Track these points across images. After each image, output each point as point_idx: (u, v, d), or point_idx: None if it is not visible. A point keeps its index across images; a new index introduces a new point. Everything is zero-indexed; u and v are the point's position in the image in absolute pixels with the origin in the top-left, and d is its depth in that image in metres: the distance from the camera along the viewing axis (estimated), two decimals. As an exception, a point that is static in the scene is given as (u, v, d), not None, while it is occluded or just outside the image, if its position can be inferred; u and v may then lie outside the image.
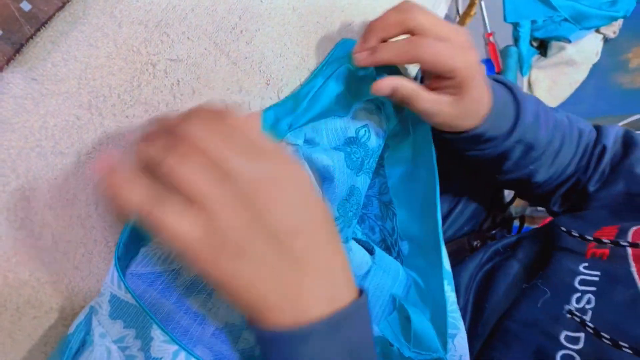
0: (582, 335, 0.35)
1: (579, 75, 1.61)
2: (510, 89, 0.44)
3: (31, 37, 0.28)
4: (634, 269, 0.37)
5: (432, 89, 0.39)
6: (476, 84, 0.38)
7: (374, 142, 0.43)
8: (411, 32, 0.36)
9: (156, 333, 0.28)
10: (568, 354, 0.34)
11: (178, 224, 0.23)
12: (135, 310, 0.29)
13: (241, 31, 0.36)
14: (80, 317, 0.29)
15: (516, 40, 1.53)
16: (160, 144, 0.24)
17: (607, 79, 1.63)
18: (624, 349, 0.32)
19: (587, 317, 0.35)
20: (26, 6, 0.28)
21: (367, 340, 0.28)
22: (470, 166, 0.49)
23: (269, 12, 0.38)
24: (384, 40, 0.37)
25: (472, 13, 0.73)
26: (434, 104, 0.39)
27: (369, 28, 0.38)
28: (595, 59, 1.59)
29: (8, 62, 0.27)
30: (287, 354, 0.25)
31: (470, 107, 0.39)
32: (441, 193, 0.42)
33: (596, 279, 0.38)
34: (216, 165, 0.24)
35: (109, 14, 0.30)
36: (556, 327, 0.36)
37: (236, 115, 0.26)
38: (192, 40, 0.34)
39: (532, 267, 0.44)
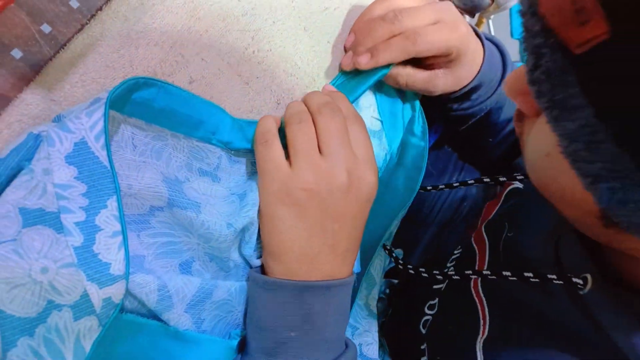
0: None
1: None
2: (491, 40, 0.45)
3: (50, 59, 0.28)
4: None
5: (427, 65, 0.41)
6: (470, 51, 0.40)
7: None
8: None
9: (112, 204, 0.26)
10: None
11: (277, 152, 0.33)
12: (101, 170, 0.26)
13: (253, 51, 0.37)
14: (17, 141, 0.25)
15: (523, 56, 1.53)
16: (293, 111, 0.35)
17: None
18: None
19: None
20: (46, 28, 0.28)
21: (326, 312, 0.34)
22: (470, 145, 0.51)
23: (281, 32, 0.39)
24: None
25: (479, 31, 0.74)
26: (430, 80, 0.41)
27: (358, 41, 0.39)
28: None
29: (28, 83, 0.28)
30: (287, 297, 0.32)
31: (464, 73, 0.41)
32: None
33: None
34: (318, 141, 0.33)
35: (126, 36, 0.31)
36: None
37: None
38: (205, 61, 0.34)
39: None
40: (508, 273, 0.35)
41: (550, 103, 0.21)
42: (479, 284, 0.41)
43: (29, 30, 0.28)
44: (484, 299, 0.40)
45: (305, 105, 0.35)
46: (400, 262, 0.43)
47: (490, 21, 1.34)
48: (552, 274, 0.32)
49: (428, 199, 0.56)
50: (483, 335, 0.38)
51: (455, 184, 0.47)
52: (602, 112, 0.19)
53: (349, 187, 0.33)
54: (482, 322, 0.39)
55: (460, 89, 0.43)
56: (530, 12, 0.21)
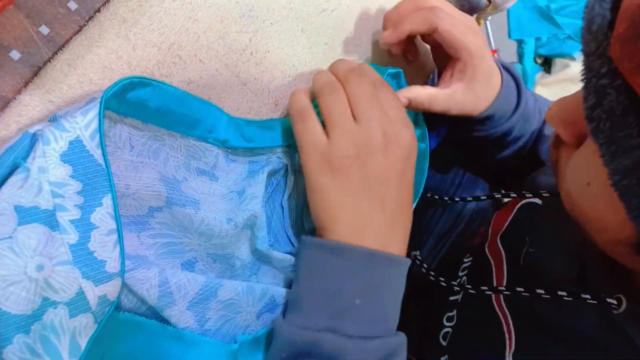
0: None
1: (583, 92, 1.62)
2: (507, 69, 0.46)
3: (49, 60, 0.28)
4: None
5: (444, 83, 0.41)
6: (485, 65, 0.40)
7: None
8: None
9: (108, 202, 0.26)
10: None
11: (315, 127, 0.34)
12: (95, 168, 0.26)
13: (251, 53, 0.37)
14: (12, 140, 0.25)
15: (520, 57, 1.54)
16: (323, 82, 0.36)
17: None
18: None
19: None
20: (45, 30, 0.28)
21: (386, 285, 0.34)
22: (473, 152, 0.52)
23: (279, 34, 0.39)
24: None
25: (477, 32, 0.74)
26: (449, 98, 0.41)
27: (386, 18, 0.41)
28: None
29: (26, 84, 0.28)
30: (355, 263, 0.33)
31: (481, 91, 0.41)
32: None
33: None
34: (351, 108, 0.35)
35: (124, 37, 0.31)
36: None
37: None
38: (203, 62, 0.34)
39: None
40: (542, 291, 0.36)
41: (607, 140, 0.23)
42: (502, 298, 0.42)
43: (27, 31, 0.28)
44: (507, 312, 0.40)
45: (333, 74, 0.37)
46: (424, 267, 0.42)
47: (487, 22, 1.34)
48: (584, 294, 0.33)
49: (428, 207, 0.57)
50: (511, 349, 0.38)
51: (469, 199, 0.47)
52: None
53: (386, 146, 0.34)
54: (507, 335, 0.39)
55: (478, 115, 0.43)
56: (598, 53, 0.23)
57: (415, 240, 0.53)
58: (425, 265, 0.43)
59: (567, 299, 0.35)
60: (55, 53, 0.29)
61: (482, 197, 0.46)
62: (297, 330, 0.32)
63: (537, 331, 0.38)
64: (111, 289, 0.26)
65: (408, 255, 0.43)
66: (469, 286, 0.41)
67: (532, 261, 0.42)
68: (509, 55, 1.55)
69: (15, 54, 0.27)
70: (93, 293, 0.25)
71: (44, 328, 0.24)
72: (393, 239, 0.35)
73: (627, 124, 0.22)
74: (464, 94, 0.41)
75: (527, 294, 0.37)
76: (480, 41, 0.39)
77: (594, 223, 0.29)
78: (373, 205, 0.34)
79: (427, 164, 0.43)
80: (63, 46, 0.29)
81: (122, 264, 0.26)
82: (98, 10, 0.30)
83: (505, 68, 0.45)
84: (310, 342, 0.31)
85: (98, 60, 0.30)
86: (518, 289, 0.38)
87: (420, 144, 0.44)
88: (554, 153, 0.34)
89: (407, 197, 0.36)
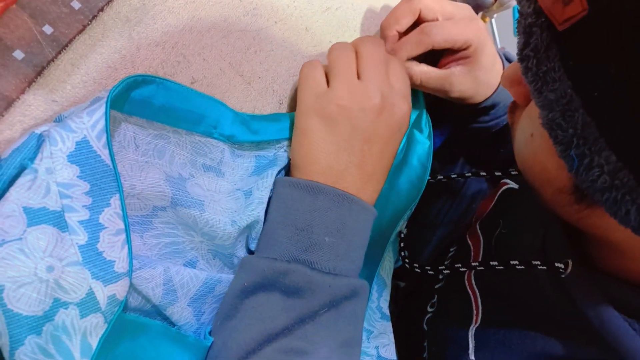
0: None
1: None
2: (510, 60, 0.46)
3: (52, 60, 0.28)
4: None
5: (444, 64, 0.41)
6: (487, 52, 0.40)
7: None
8: (420, 17, 0.39)
9: (116, 202, 0.26)
10: None
11: (319, 74, 0.36)
12: (103, 168, 0.26)
13: (255, 51, 0.37)
14: (19, 141, 0.25)
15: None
16: (339, 44, 0.37)
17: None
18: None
19: None
20: (48, 29, 0.28)
21: (356, 229, 0.35)
22: (477, 148, 0.52)
23: (283, 32, 0.38)
24: (400, 33, 0.40)
25: (482, 30, 0.73)
26: (446, 78, 0.41)
27: (383, 26, 0.40)
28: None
29: (30, 84, 0.28)
30: (328, 202, 0.33)
31: (482, 76, 0.41)
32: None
33: None
34: (358, 66, 0.35)
35: (128, 37, 0.31)
36: None
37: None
38: (207, 61, 0.34)
39: None
40: (495, 263, 0.38)
41: (535, 77, 0.24)
42: (472, 278, 0.43)
43: (31, 31, 0.28)
44: (477, 290, 0.42)
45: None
46: (407, 261, 0.43)
47: (493, 20, 1.33)
48: (537, 261, 0.35)
49: (437, 201, 0.56)
50: (476, 323, 0.40)
51: (467, 174, 0.47)
52: (577, 84, 0.22)
53: (381, 109, 0.35)
54: (475, 312, 0.40)
55: (480, 103, 0.43)
56: None
57: (420, 237, 0.53)
58: (407, 261, 0.44)
59: (520, 267, 0.36)
60: (59, 53, 0.29)
61: (482, 173, 0.46)
62: (266, 261, 0.33)
63: (501, 305, 0.39)
64: (120, 289, 0.26)
65: (401, 250, 0.44)
66: (442, 267, 0.43)
67: (501, 240, 0.44)
68: (515, 52, 1.54)
69: (19, 54, 0.27)
70: (103, 293, 0.25)
71: (56, 328, 0.24)
72: (363, 193, 0.35)
73: (549, 58, 0.23)
74: (463, 76, 0.41)
75: (482, 268, 0.39)
76: (479, 29, 0.39)
77: (538, 177, 0.30)
78: (352, 159, 0.34)
79: (430, 162, 0.43)
80: (66, 46, 0.29)
81: (130, 263, 0.26)
82: (101, 10, 0.30)
83: (508, 59, 0.45)
84: (279, 272, 0.32)
85: (101, 59, 0.30)
86: (473, 264, 0.40)
87: (425, 140, 0.44)
88: (510, 117, 0.35)
89: (386, 163, 0.37)
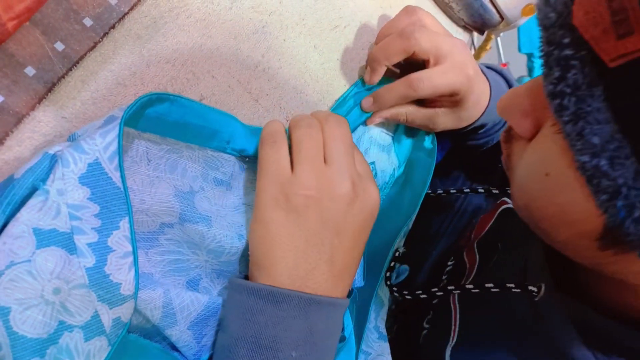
0: None
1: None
2: (502, 74, 0.45)
3: (63, 77, 0.29)
4: None
5: (430, 102, 0.41)
6: (474, 93, 0.40)
7: (379, 180, 0.43)
8: (411, 56, 0.38)
9: (125, 225, 0.26)
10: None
11: (282, 155, 0.32)
12: (114, 191, 0.26)
13: (264, 69, 0.37)
14: (32, 162, 0.25)
15: (530, 70, 1.53)
16: (300, 118, 0.34)
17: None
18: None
19: None
20: (60, 46, 0.28)
21: (327, 332, 0.31)
22: (475, 162, 0.52)
23: (291, 50, 0.39)
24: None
25: (487, 47, 0.73)
26: (430, 118, 0.41)
27: (373, 57, 0.39)
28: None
29: (40, 100, 0.28)
30: (293, 311, 0.29)
31: (465, 114, 0.41)
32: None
33: None
34: (324, 148, 0.32)
35: (138, 54, 0.31)
36: None
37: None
38: (216, 79, 0.34)
39: None
40: (471, 286, 0.37)
41: (573, 117, 0.21)
42: (456, 295, 0.43)
43: (42, 48, 0.28)
44: (457, 307, 0.42)
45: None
46: (395, 290, 0.42)
47: (498, 38, 1.33)
48: (512, 283, 0.35)
49: (438, 215, 0.56)
50: (452, 341, 0.39)
51: (465, 190, 0.47)
52: (627, 128, 0.19)
53: (353, 198, 0.32)
54: (453, 328, 0.40)
55: (464, 128, 0.43)
56: (559, 24, 0.21)
57: (420, 252, 0.53)
58: (396, 295, 0.42)
59: (494, 290, 0.36)
60: (70, 69, 0.29)
61: (480, 190, 0.46)
62: None
63: (475, 323, 0.39)
64: (125, 311, 0.26)
65: (389, 278, 0.43)
66: (434, 289, 0.41)
67: (497, 265, 0.43)
68: (519, 68, 1.55)
69: (30, 70, 0.27)
70: (108, 316, 0.25)
71: (60, 352, 0.24)
72: (335, 290, 0.32)
73: (594, 97, 0.20)
74: (446, 116, 0.41)
75: (457, 291, 0.39)
76: (467, 77, 0.38)
77: (552, 219, 0.26)
78: (321, 255, 0.31)
79: (430, 178, 0.43)
80: (77, 62, 0.29)
81: (137, 286, 0.26)
82: (113, 27, 0.30)
83: (499, 72, 0.45)
84: None
85: (112, 76, 0.30)
86: (449, 287, 0.39)
87: (427, 158, 0.44)
88: (505, 147, 0.32)
89: (358, 255, 0.34)
